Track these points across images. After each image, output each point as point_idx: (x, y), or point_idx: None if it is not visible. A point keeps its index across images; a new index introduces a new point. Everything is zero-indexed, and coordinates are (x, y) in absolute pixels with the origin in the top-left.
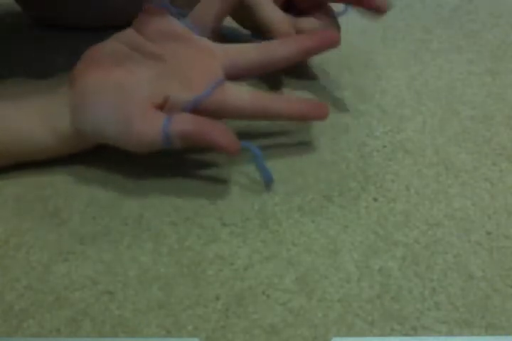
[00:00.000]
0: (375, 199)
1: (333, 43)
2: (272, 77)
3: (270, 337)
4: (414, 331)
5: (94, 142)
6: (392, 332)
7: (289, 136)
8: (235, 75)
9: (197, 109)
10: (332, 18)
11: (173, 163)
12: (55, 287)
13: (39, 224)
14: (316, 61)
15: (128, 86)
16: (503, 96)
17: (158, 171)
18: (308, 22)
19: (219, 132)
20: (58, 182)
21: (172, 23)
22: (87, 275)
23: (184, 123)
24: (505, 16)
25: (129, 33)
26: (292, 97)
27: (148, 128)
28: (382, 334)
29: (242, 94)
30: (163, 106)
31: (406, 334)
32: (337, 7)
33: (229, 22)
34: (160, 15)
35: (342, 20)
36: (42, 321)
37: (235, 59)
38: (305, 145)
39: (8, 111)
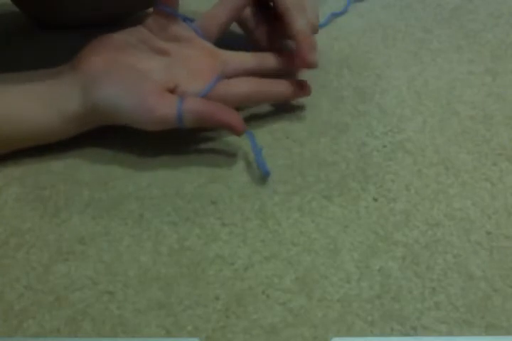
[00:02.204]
0: (375, 199)
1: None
2: None
3: (270, 337)
4: (414, 331)
5: (101, 121)
6: (392, 332)
7: (289, 136)
8: (231, 77)
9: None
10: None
11: (173, 163)
12: (55, 287)
13: (39, 224)
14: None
15: (139, 70)
16: (503, 96)
17: (157, 171)
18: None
19: (227, 113)
20: (58, 183)
21: (179, 25)
22: (87, 275)
23: (196, 104)
24: (505, 16)
25: (139, 28)
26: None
27: (162, 105)
28: (382, 334)
29: (241, 84)
30: (173, 92)
31: (406, 334)
32: (337, 7)
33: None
34: (169, 17)
35: (342, 20)
36: (42, 321)
37: (235, 62)
38: (305, 145)
39: (12, 96)
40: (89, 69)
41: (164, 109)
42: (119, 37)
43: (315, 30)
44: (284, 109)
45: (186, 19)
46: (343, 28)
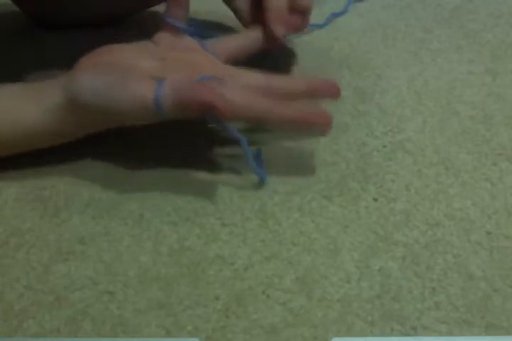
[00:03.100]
0: (375, 200)
1: (334, 94)
2: None
3: (270, 337)
4: (414, 331)
5: (87, 121)
6: (392, 332)
7: (289, 136)
8: None
9: None
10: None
11: (173, 164)
12: (55, 287)
13: (39, 224)
14: (317, 61)
15: (131, 64)
16: (503, 96)
17: (158, 171)
18: None
19: (210, 92)
20: (58, 183)
21: (187, 39)
22: (87, 275)
23: (176, 83)
24: (505, 16)
25: (144, 42)
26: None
27: (142, 85)
28: (382, 334)
29: (237, 93)
30: None
31: (406, 334)
32: (337, 7)
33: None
34: (177, 33)
35: (342, 20)
36: (42, 321)
37: (240, 76)
38: (305, 145)
39: (4, 97)
40: (77, 69)
41: (142, 91)
42: (120, 46)
43: (304, 6)
44: None
45: (194, 34)
46: (343, 28)
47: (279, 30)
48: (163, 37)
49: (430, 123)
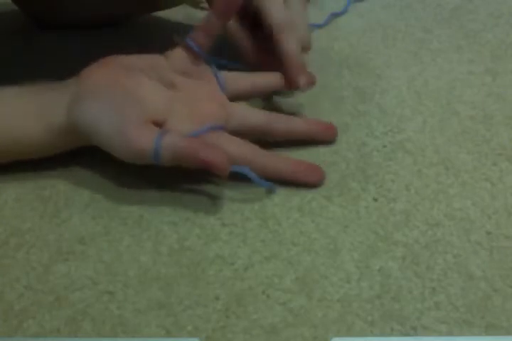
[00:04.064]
0: (375, 200)
1: (331, 137)
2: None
3: (270, 337)
4: (414, 331)
5: (85, 141)
6: (392, 332)
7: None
8: (235, 133)
9: None
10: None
11: None
12: (55, 287)
13: (39, 224)
14: (316, 61)
15: (134, 95)
16: (503, 96)
17: (157, 171)
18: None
19: (210, 152)
20: (58, 183)
21: (202, 66)
22: (87, 275)
23: (177, 139)
24: (505, 16)
25: (155, 56)
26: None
27: (141, 136)
28: (382, 334)
29: (233, 146)
30: (159, 127)
31: (406, 334)
32: (337, 7)
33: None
34: (193, 55)
35: (342, 20)
36: (42, 321)
37: (241, 117)
38: (305, 146)
39: (7, 108)
40: (85, 84)
41: (141, 142)
42: (131, 59)
43: (307, 47)
44: (284, 109)
45: (212, 63)
46: (343, 28)
47: (304, 86)
48: (177, 53)
49: (430, 123)
